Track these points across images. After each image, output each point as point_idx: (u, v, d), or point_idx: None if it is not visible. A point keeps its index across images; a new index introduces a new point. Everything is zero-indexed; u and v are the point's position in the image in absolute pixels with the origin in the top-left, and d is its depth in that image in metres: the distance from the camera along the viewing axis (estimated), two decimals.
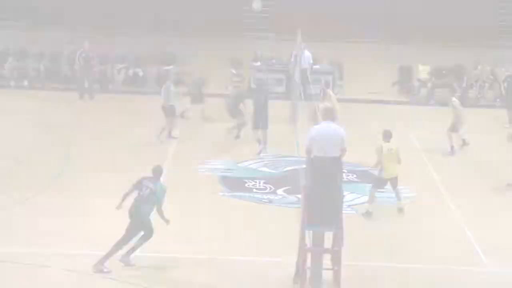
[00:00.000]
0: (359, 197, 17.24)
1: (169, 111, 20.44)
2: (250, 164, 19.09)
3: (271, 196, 17.16)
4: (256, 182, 17.90)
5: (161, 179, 14.00)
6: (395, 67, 27.63)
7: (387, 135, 16.43)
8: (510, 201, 17.44)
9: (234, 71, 24.50)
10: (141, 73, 26.10)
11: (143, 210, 13.35)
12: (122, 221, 13.35)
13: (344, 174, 17.47)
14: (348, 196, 16.52)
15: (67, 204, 16.00)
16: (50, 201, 16.24)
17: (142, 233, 13.42)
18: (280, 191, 17.34)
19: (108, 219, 14.49)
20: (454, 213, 16.64)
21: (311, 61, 25.12)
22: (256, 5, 21.76)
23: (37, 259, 13.51)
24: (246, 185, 17.75)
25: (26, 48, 26.89)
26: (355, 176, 18.53)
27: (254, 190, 17.53)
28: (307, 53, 24.85)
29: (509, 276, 13.90)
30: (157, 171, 13.84)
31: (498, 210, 16.89)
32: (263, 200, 16.95)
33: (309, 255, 12.58)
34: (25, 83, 25.91)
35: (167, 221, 13.43)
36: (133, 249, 13.40)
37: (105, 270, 13.21)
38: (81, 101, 24.49)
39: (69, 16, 33.52)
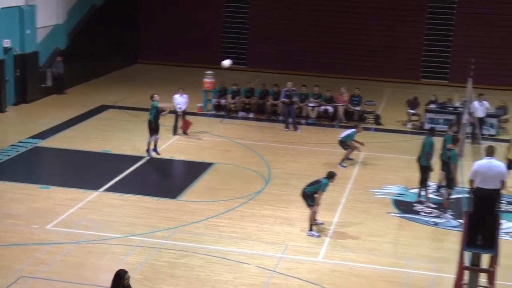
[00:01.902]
0: None
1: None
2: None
3: (437, 220, 16.83)
4: (424, 207, 17.63)
5: None
6: None
7: None
8: None
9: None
10: (330, 110, 26.29)
11: None
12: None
13: (504, 204, 17.08)
14: (506, 224, 16.06)
15: (264, 213, 16.60)
16: (252, 210, 16.85)
17: None
18: (445, 216, 16.98)
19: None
20: None
21: (489, 109, 24.74)
22: (226, 63, 21.66)
23: (238, 257, 14.18)
24: (414, 208, 17.53)
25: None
26: None
27: (422, 213, 17.26)
28: (485, 103, 24.54)
29: None
30: None
31: None
32: (430, 223, 16.66)
33: (466, 273, 12.37)
34: (250, 115, 26.71)
35: None
36: None
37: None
38: (286, 130, 24.95)
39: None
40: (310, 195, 15.45)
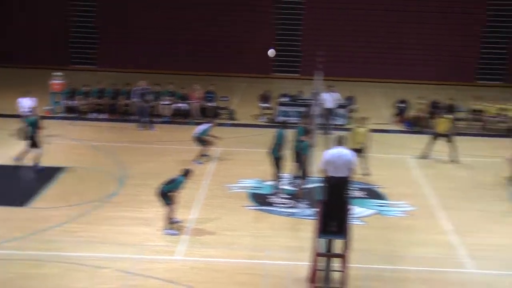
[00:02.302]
0: (365, 211, 17.33)
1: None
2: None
3: (292, 210, 17.28)
4: (279, 198, 18.06)
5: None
6: (395, 101, 27.67)
7: None
8: (489, 211, 17.52)
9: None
10: (185, 107, 26.31)
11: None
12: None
13: (353, 191, 17.83)
14: (356, 210, 16.79)
15: (120, 214, 16.33)
16: (107, 213, 16.56)
17: None
18: (300, 206, 17.44)
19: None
20: (444, 222, 16.66)
21: (339, 101, 25.56)
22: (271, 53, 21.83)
23: (97, 262, 13.88)
24: (270, 200, 17.91)
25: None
26: (363, 193, 18.64)
27: (277, 204, 17.66)
28: (335, 94, 25.28)
29: (490, 277, 13.97)
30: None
31: (481, 220, 16.96)
32: (285, 213, 17.08)
33: (321, 259, 12.82)
34: (102, 116, 26.29)
35: None
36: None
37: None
38: (140, 130, 24.72)
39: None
40: (166, 194, 15.41)
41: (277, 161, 18.22)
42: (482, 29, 36.10)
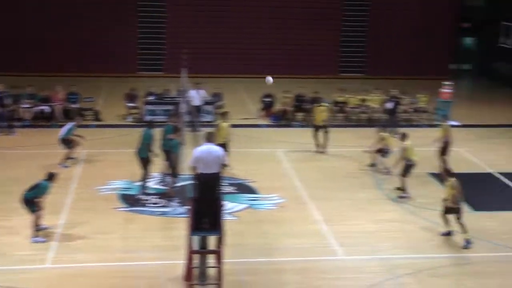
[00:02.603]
0: (237, 205, 17.47)
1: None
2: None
3: (163, 209, 17.14)
4: (150, 198, 17.86)
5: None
6: (260, 96, 28.09)
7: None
8: (356, 199, 18.15)
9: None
10: (47, 110, 25.48)
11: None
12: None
13: (224, 186, 17.93)
14: (228, 205, 16.89)
15: None
16: None
17: None
18: (172, 204, 17.33)
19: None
20: (315, 213, 17.10)
21: (205, 98, 25.51)
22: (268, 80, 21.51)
23: None
24: (141, 200, 17.68)
25: None
26: (234, 188, 18.78)
27: (148, 204, 17.46)
28: (201, 92, 25.12)
29: (359, 262, 14.51)
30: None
31: (349, 208, 17.56)
32: (156, 213, 16.92)
33: (196, 256, 12.82)
34: None
35: None
36: None
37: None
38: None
39: None
40: (31, 200, 14.84)
41: (144, 161, 18.01)
42: (342, 23, 37.29)
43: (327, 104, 22.52)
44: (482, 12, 39.31)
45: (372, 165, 20.68)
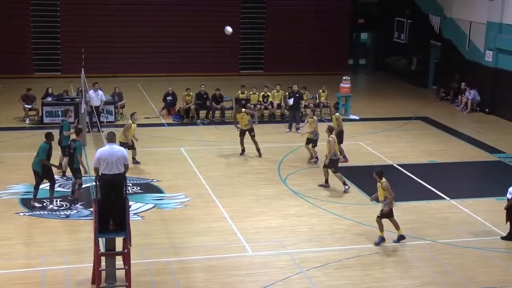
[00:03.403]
0: (143, 205, 17.35)
1: None
2: (46, 186, 18.57)
3: (67, 212, 16.80)
4: (53, 201, 17.46)
5: None
6: (162, 95, 27.97)
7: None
8: (261, 195, 18.38)
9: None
10: None
11: None
12: None
13: (129, 187, 17.78)
14: (134, 206, 16.77)
15: None
16: None
17: None
18: (75, 207, 17.00)
19: None
20: (221, 210, 17.20)
21: (104, 98, 24.96)
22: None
23: None
24: (44, 204, 17.25)
25: None
26: (139, 188, 18.64)
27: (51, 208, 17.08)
28: (100, 92, 24.65)
29: (267, 257, 14.68)
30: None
31: (255, 204, 17.76)
32: (61, 216, 16.56)
33: (103, 258, 12.66)
34: None
35: None
36: None
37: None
38: None
39: None
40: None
41: (37, 173, 17.03)
42: (241, 20, 37.53)
43: (244, 110, 22.23)
44: (376, 8, 40.52)
45: (314, 158, 21.27)
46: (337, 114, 21.90)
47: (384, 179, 15.34)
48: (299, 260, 14.47)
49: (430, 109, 29.94)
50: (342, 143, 21.18)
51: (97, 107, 24.32)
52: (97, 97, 24.56)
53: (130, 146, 19.91)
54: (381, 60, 40.27)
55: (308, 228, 16.28)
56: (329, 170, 18.83)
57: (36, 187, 17.13)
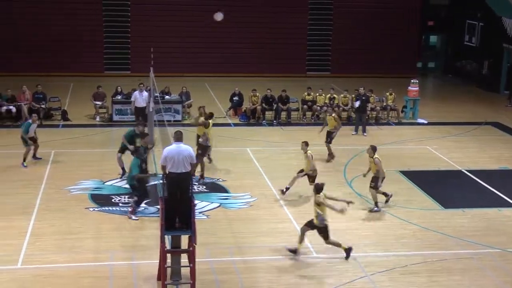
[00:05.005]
0: (208, 204, 17.52)
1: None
2: (116, 182, 18.99)
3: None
4: (121, 197, 17.82)
5: None
6: (229, 95, 28.18)
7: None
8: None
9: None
10: (14, 109, 25.27)
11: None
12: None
13: (195, 185, 17.98)
14: (199, 204, 16.95)
15: None
16: None
17: None
18: (142, 204, 17.25)
19: None
20: (286, 211, 17.21)
21: (147, 100, 25.05)
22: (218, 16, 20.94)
23: None
24: (112, 200, 17.62)
25: None
26: (205, 187, 18.83)
27: (120, 204, 17.43)
28: (145, 93, 24.33)
29: (330, 260, 14.56)
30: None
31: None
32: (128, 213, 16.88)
33: (168, 256, 12.84)
34: None
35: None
36: None
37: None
38: None
39: None
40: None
41: (134, 187, 16.53)
42: (309, 22, 37.51)
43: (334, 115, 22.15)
44: (447, 10, 39.87)
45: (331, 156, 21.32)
46: (334, 114, 21.82)
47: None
48: (364, 264, 14.37)
49: (501, 115, 29.31)
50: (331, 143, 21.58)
51: (142, 108, 24.12)
52: (141, 97, 24.44)
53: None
54: (451, 64, 39.59)
55: (373, 232, 16.15)
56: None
57: (138, 202, 16.52)
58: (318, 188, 14.67)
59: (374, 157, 17.47)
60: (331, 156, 21.66)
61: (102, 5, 35.59)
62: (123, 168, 19.06)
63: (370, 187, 17.50)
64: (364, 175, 18.03)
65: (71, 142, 22.75)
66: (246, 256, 14.58)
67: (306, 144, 18.19)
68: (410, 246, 15.40)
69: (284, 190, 18.19)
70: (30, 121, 20.39)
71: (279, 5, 36.55)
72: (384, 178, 17.57)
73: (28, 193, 17.63)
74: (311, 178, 18.03)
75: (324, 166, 20.91)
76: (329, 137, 21.73)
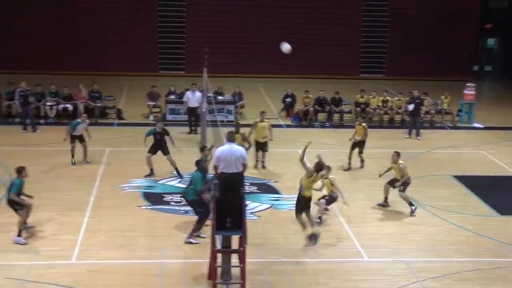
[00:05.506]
0: (260, 205, 17.57)
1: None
2: (168, 181, 19.21)
3: (187, 208, 17.24)
4: (173, 196, 18.01)
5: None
6: (282, 96, 28.18)
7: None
8: (377, 201, 17.96)
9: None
10: (70, 107, 25.76)
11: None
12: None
13: (246, 186, 18.03)
14: (250, 205, 17.01)
15: (10, 220, 15.39)
16: None
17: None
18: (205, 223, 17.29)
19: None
20: (337, 214, 17.12)
21: (200, 101, 25.21)
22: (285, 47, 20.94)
23: None
24: (164, 199, 17.83)
25: None
26: (256, 188, 18.88)
27: (172, 203, 17.61)
28: (198, 93, 24.45)
29: (382, 264, 14.50)
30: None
31: (370, 209, 17.62)
32: (180, 211, 17.04)
33: (219, 255, 12.93)
34: None
35: None
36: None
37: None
38: (24, 132, 24.12)
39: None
40: (12, 202, 14.75)
41: (194, 202, 15.47)
42: (363, 24, 37.31)
43: (364, 124, 21.85)
44: (505, 13, 39.16)
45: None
46: (364, 124, 21.22)
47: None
48: (416, 269, 14.20)
49: None
50: (362, 153, 21.00)
51: (194, 108, 24.39)
52: (194, 98, 24.61)
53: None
54: (508, 67, 38.84)
55: (426, 237, 15.96)
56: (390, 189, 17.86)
57: (201, 221, 15.24)
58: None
59: (399, 163, 17.35)
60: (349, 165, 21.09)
61: (157, 5, 36.03)
62: (151, 169, 19.41)
63: (400, 190, 17.33)
64: (380, 175, 18.09)
65: (125, 141, 23.09)
66: (296, 258, 14.58)
67: (398, 154, 17.56)
68: (463, 253, 15.16)
69: (383, 203, 17.86)
70: (79, 120, 20.68)
71: (333, 5, 36.44)
72: (409, 183, 17.41)
73: (82, 190, 17.96)
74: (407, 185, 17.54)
75: (376, 168, 20.74)
76: (360, 146, 21.06)
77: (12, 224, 15.05)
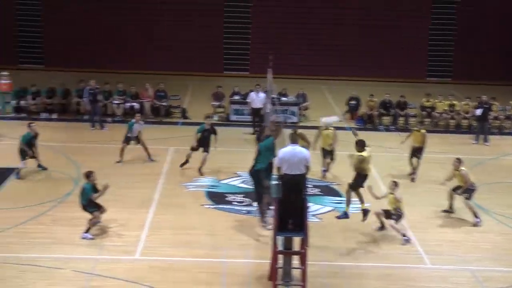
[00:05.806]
0: (322, 208, 17.55)
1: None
2: (231, 181, 19.37)
3: (249, 208, 17.37)
4: (236, 196, 18.15)
5: None
6: (346, 99, 28.07)
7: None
8: (442, 207, 17.72)
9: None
10: (136, 106, 26.22)
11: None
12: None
13: (309, 188, 18.03)
14: (312, 207, 17.00)
15: (76, 215, 15.85)
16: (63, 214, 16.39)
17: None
18: (256, 204, 17.41)
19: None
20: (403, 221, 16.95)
21: (264, 102, 25.24)
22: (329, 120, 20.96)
23: (51, 263, 13.78)
24: (227, 199, 17.98)
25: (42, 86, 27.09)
26: (318, 190, 18.86)
27: (234, 203, 17.76)
28: (262, 94, 24.48)
29: (445, 271, 14.31)
30: None
31: (435, 215, 17.38)
32: (242, 212, 17.17)
33: (280, 257, 12.99)
34: (53, 116, 26.11)
35: None
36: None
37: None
38: (92, 129, 24.69)
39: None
40: (86, 206, 15.07)
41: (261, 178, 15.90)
42: (430, 27, 36.81)
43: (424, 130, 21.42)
44: None
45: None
46: (423, 130, 20.52)
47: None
48: (482, 278, 13.93)
49: None
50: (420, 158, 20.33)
51: (258, 109, 24.43)
52: (258, 98, 24.63)
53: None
54: None
55: (493, 246, 15.64)
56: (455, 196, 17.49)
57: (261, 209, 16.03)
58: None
59: (460, 169, 16.99)
60: (413, 172, 20.46)
61: (223, 6, 36.34)
62: (186, 161, 19.83)
63: (466, 198, 16.93)
64: (443, 183, 17.66)
65: (189, 140, 23.17)
66: (357, 262, 14.53)
67: (459, 161, 17.18)
68: None
69: (448, 210, 17.60)
70: (133, 120, 20.86)
71: (399, 7, 36.07)
72: (473, 190, 17.00)
73: (147, 187, 18.28)
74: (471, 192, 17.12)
75: (442, 174, 20.46)
76: (418, 152, 20.38)
77: (81, 218, 15.38)
